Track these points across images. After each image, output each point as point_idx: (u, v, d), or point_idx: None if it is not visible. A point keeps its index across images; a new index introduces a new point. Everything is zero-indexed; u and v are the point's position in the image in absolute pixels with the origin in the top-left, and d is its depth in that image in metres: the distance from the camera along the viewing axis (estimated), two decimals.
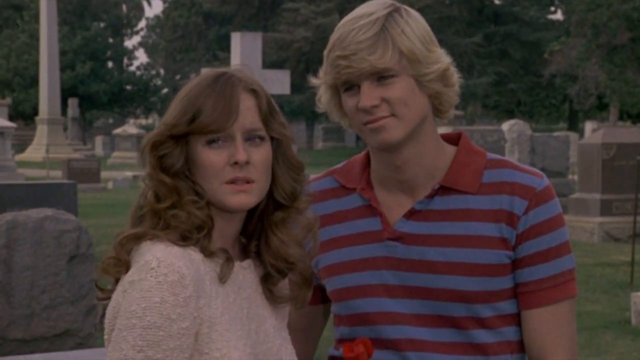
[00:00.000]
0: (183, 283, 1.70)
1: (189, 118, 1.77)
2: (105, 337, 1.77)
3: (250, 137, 1.79)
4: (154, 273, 1.70)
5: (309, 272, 1.90)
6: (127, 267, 1.76)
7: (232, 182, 1.77)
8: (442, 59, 2.00)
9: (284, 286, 1.89)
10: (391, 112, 1.96)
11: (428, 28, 2.01)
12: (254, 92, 1.81)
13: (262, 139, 1.80)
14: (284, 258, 1.86)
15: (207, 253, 1.77)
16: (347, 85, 1.99)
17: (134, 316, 1.69)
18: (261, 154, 1.80)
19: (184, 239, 1.76)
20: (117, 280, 1.78)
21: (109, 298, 1.78)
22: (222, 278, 1.78)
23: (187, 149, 1.79)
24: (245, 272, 1.84)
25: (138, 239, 1.77)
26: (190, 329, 1.71)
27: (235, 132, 1.78)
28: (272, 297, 1.87)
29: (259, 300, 1.85)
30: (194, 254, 1.76)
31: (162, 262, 1.71)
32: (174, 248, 1.74)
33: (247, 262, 1.85)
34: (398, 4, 2.01)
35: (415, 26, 1.98)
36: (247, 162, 1.77)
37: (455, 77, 2.03)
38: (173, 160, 1.78)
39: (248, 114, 1.79)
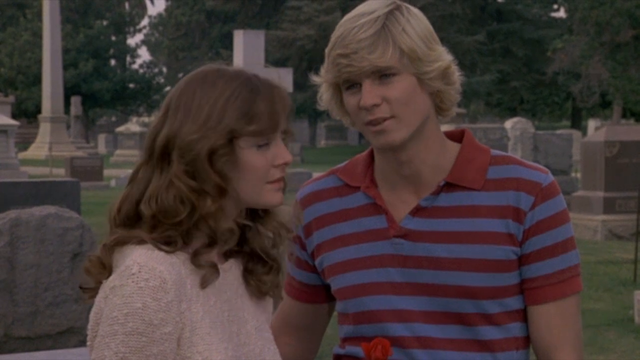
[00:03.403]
0: (165, 288, 1.69)
1: (248, 122, 1.75)
2: (88, 343, 1.76)
3: (282, 138, 1.82)
4: (135, 278, 1.69)
5: (277, 258, 1.90)
6: (109, 272, 1.74)
7: (275, 181, 1.79)
8: (444, 57, 1.99)
9: (266, 276, 1.88)
10: (391, 112, 1.96)
11: (429, 26, 2.01)
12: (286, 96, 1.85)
13: (283, 139, 1.84)
14: (280, 238, 1.87)
15: (197, 264, 1.76)
16: (348, 84, 1.99)
17: (116, 322, 1.68)
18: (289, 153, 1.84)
19: (167, 244, 1.74)
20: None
21: (93, 296, 1.76)
22: (203, 284, 1.76)
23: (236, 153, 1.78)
24: (226, 275, 1.83)
25: (124, 242, 1.75)
26: (172, 333, 1.70)
27: (277, 134, 1.80)
28: (258, 288, 1.86)
29: (239, 302, 1.85)
30: (174, 257, 1.74)
31: (143, 267, 1.69)
32: (155, 252, 1.73)
33: (228, 264, 1.85)
34: (399, 2, 2.01)
35: (416, 24, 1.97)
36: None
37: (457, 75, 2.02)
38: (229, 166, 1.76)
39: (285, 116, 1.82)
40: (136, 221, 1.77)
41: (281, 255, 1.90)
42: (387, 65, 1.94)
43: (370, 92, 1.95)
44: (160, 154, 1.76)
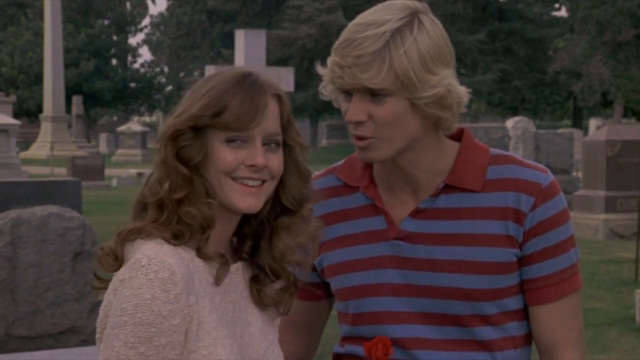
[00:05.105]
0: (174, 280, 1.71)
1: (213, 112, 1.77)
2: (97, 335, 1.78)
3: (268, 142, 1.80)
4: (145, 270, 1.70)
5: (293, 277, 1.91)
6: (120, 264, 1.76)
7: (243, 181, 1.79)
8: (445, 81, 1.92)
9: (271, 289, 1.89)
10: (375, 132, 1.93)
11: (441, 44, 1.94)
12: (279, 98, 1.83)
13: (277, 144, 1.82)
14: (286, 262, 1.87)
15: (204, 257, 1.78)
16: (343, 89, 1.97)
17: (125, 313, 1.69)
18: (277, 159, 1.82)
19: (176, 237, 1.76)
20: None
21: (105, 287, 1.78)
22: (217, 280, 1.79)
23: (206, 143, 1.79)
24: (233, 276, 1.84)
25: (137, 234, 1.77)
26: (180, 325, 1.71)
27: (256, 134, 1.79)
28: (259, 299, 1.87)
29: (244, 304, 1.86)
30: (183, 252, 1.76)
31: (152, 259, 1.71)
32: (165, 246, 1.75)
33: (236, 266, 1.85)
34: (418, 9, 1.95)
35: (424, 43, 1.91)
36: (265, 167, 1.79)
37: (457, 100, 1.95)
38: (193, 152, 1.78)
39: (271, 118, 1.80)
40: (143, 211, 1.81)
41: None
42: (379, 87, 1.90)
43: (358, 108, 1.93)
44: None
